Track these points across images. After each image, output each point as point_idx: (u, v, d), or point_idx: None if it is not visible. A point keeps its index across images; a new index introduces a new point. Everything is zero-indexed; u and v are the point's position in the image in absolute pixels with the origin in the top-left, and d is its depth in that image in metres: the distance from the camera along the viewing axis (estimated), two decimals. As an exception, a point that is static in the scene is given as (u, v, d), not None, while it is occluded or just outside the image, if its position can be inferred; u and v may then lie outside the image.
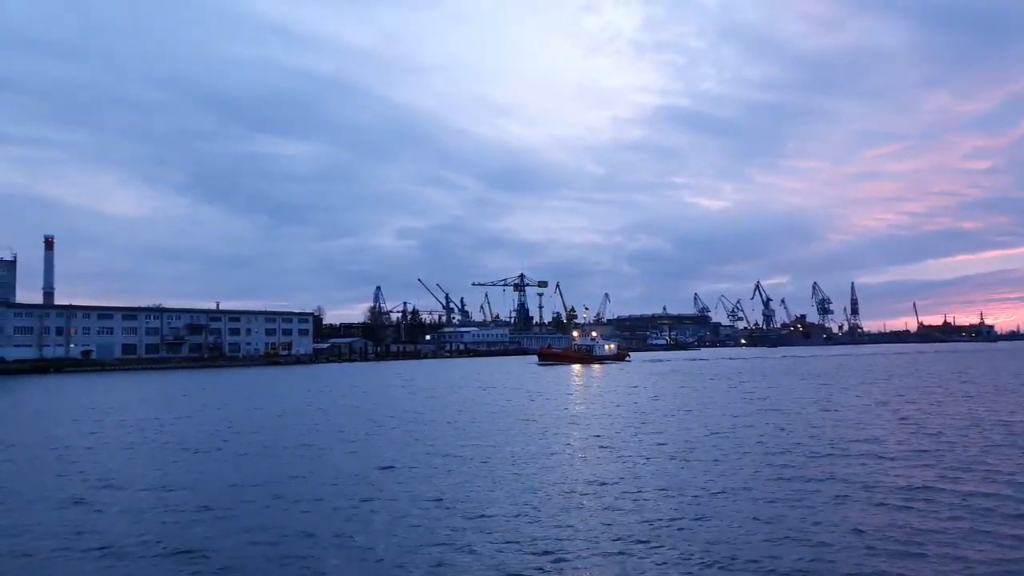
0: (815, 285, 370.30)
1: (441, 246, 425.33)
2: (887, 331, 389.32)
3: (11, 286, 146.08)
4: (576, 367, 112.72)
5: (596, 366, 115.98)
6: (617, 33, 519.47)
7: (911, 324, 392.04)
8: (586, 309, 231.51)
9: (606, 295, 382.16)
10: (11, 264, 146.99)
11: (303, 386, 72.83)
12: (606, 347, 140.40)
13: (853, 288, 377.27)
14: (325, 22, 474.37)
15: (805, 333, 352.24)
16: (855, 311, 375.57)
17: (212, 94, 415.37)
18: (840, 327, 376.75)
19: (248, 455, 25.63)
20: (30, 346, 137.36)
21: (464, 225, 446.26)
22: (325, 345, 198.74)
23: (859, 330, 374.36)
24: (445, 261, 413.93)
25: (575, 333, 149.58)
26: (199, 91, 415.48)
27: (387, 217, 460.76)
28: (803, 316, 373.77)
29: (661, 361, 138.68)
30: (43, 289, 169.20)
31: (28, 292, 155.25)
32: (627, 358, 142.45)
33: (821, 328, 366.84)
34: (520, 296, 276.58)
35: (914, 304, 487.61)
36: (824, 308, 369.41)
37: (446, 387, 66.10)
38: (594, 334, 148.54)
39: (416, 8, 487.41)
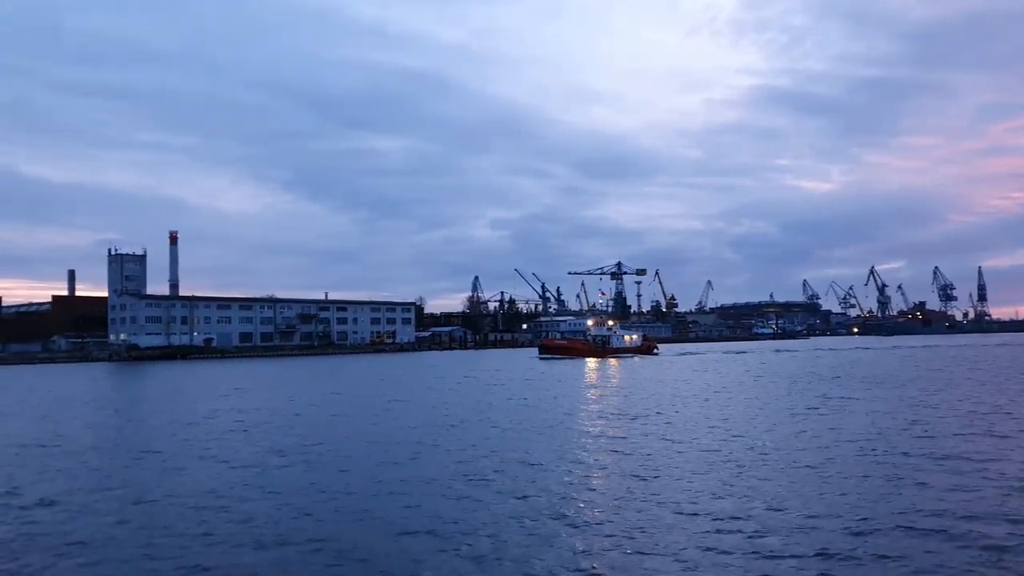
0: (936, 270, 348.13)
1: (534, 236, 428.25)
2: (1020, 319, 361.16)
3: (142, 279, 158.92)
4: (591, 362, 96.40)
5: (612, 360, 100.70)
6: (717, 13, 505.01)
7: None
8: (601, 294, 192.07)
9: (708, 282, 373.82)
10: (142, 259, 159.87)
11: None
12: (626, 338, 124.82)
13: (980, 273, 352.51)
14: (420, 22, 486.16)
15: (925, 321, 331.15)
16: (982, 297, 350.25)
17: (312, 95, 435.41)
18: (965, 315, 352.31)
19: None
20: (159, 334, 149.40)
21: (557, 214, 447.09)
22: (427, 334, 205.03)
23: (986, 317, 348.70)
24: (539, 251, 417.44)
25: (589, 322, 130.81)
26: (300, 93, 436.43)
27: (481, 208, 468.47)
28: (922, 303, 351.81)
29: (692, 354, 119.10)
30: (169, 281, 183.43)
31: (155, 285, 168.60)
32: (655, 351, 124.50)
33: (943, 316, 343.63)
34: (617, 284, 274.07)
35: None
36: (947, 294, 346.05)
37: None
38: (611, 323, 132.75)
39: (506, 2, 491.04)
